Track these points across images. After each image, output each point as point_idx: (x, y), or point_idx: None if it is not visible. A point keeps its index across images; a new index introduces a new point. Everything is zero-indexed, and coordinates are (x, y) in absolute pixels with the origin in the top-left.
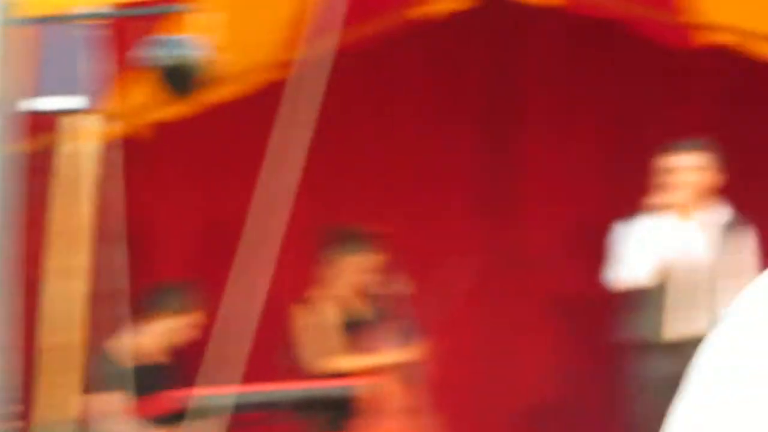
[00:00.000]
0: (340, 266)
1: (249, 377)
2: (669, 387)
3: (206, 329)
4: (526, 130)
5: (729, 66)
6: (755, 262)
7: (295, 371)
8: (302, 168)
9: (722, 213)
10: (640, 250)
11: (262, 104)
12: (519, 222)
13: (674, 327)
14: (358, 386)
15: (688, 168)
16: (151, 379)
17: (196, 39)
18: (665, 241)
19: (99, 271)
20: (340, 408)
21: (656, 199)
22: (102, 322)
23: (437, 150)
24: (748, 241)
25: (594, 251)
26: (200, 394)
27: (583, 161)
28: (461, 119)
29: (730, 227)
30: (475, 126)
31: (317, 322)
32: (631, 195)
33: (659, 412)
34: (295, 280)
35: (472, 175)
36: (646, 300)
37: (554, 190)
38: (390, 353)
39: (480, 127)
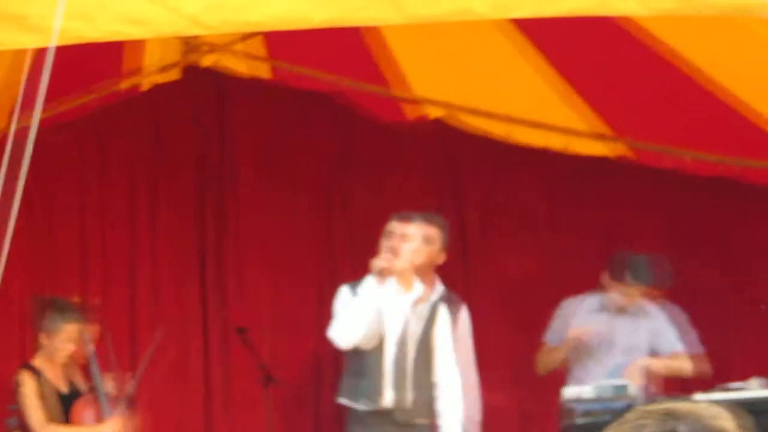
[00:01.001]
0: (54, 335)
1: None
2: None
3: None
4: (239, 199)
5: (441, 138)
6: (469, 340)
7: None
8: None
9: (439, 288)
10: (354, 313)
11: None
12: (238, 291)
13: (376, 397)
14: None
15: (409, 236)
16: None
17: None
18: (377, 306)
19: None
20: None
21: (377, 262)
22: None
23: (152, 219)
24: (462, 318)
25: (306, 318)
26: None
27: (297, 232)
28: (175, 189)
29: (445, 303)
30: (189, 194)
31: (36, 390)
32: (351, 263)
33: None
34: (20, 346)
35: (187, 244)
36: (353, 365)
37: (271, 259)
38: (101, 425)
39: (193, 195)
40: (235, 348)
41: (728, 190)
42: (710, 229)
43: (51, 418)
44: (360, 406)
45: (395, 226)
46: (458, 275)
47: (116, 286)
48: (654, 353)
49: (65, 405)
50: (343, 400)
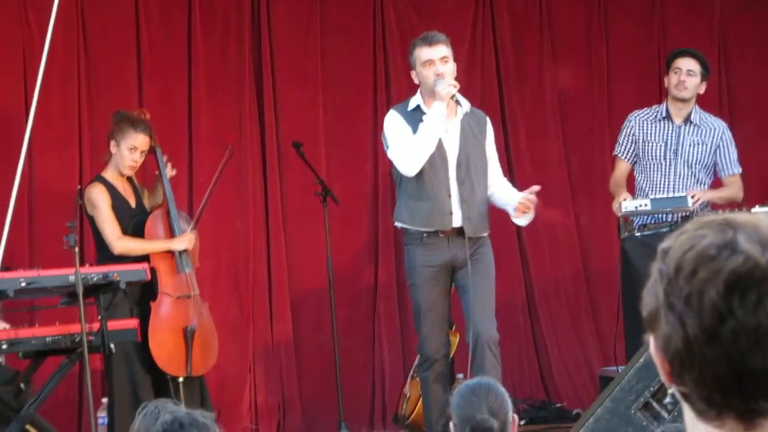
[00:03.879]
0: (122, 142)
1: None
2: (431, 276)
3: None
4: (290, 17)
5: None
6: (495, 151)
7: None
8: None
9: (466, 103)
10: (422, 142)
11: None
12: (293, 107)
13: (444, 218)
14: (140, 271)
15: (447, 57)
16: None
17: None
18: (429, 130)
19: None
20: (126, 293)
21: (447, 89)
22: None
23: (206, 35)
24: (491, 131)
25: (362, 136)
26: None
27: (349, 49)
28: (228, 4)
29: (474, 117)
30: (244, 11)
31: (108, 202)
32: (407, 80)
33: (427, 301)
34: (78, 165)
35: (242, 60)
36: (411, 189)
37: (325, 75)
38: (174, 239)
39: (248, 12)
40: (291, 163)
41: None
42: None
43: (123, 231)
44: (425, 228)
45: (429, 52)
46: (494, 92)
47: (173, 104)
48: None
49: (134, 220)
50: (402, 224)
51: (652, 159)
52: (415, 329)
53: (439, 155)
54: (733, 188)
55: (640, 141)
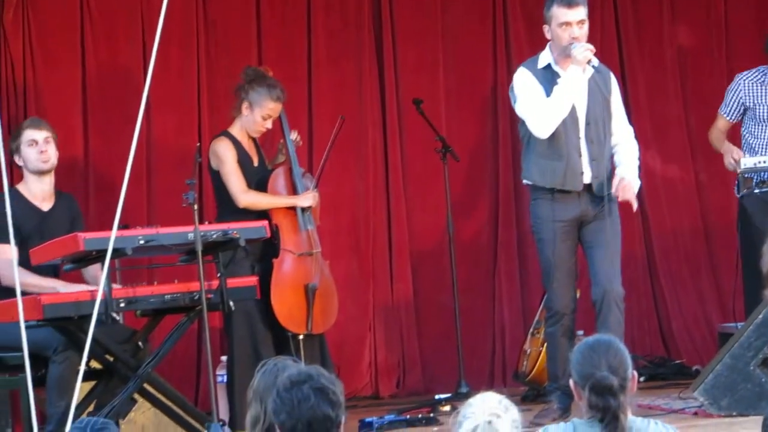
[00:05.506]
0: (257, 108)
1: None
2: (562, 231)
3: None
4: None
5: None
6: (621, 105)
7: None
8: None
9: (594, 60)
10: (556, 104)
11: None
12: (413, 64)
13: (575, 176)
14: (260, 228)
15: (584, 20)
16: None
17: None
18: (565, 95)
19: None
20: (248, 250)
21: (583, 53)
22: None
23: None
24: (615, 86)
25: (482, 93)
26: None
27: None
28: None
29: (600, 74)
30: None
31: (235, 157)
32: (528, 38)
33: (557, 256)
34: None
35: (361, 17)
36: (541, 147)
37: (445, 32)
38: (298, 196)
39: None
40: (411, 121)
41: None
42: None
43: (245, 187)
44: (556, 185)
45: (567, 14)
46: (614, 51)
47: (292, 63)
48: None
49: (257, 177)
50: (532, 181)
51: (764, 121)
52: (543, 284)
53: (569, 115)
54: None
55: (750, 103)
